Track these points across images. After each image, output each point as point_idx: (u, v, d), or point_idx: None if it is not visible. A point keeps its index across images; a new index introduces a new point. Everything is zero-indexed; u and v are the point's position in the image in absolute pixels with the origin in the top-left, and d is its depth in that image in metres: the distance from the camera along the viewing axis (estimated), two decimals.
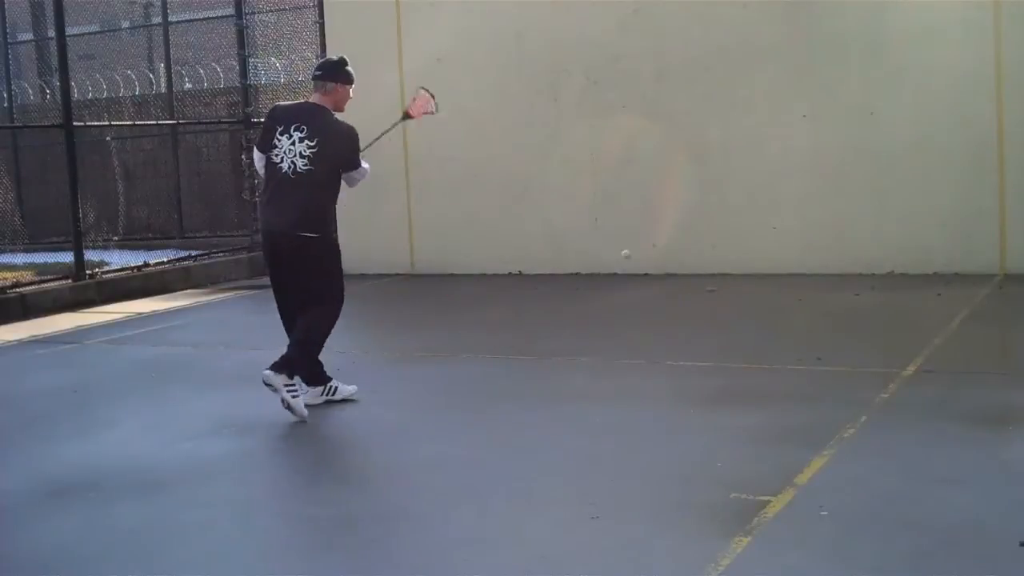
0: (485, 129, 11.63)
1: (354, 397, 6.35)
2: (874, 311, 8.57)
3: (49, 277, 11.37)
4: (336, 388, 6.34)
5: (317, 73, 6.25)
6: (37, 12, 17.89)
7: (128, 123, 15.73)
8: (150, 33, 17.99)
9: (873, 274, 10.00)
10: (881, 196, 10.08)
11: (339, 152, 6.11)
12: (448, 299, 10.52)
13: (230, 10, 13.99)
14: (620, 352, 7.46)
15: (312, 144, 6.01)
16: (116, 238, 13.68)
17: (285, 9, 15.12)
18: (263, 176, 6.25)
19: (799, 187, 10.39)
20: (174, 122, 15.81)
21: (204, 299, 11.32)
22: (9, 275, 11.82)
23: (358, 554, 4.12)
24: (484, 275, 11.57)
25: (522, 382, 6.81)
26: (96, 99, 16.35)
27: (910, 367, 6.48)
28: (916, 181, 9.93)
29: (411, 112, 6.92)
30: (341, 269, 6.26)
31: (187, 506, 4.74)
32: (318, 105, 6.18)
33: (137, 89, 16.43)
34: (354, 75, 6.27)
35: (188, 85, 16.53)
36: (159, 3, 17.03)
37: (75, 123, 11.75)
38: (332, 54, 6.61)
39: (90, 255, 11.83)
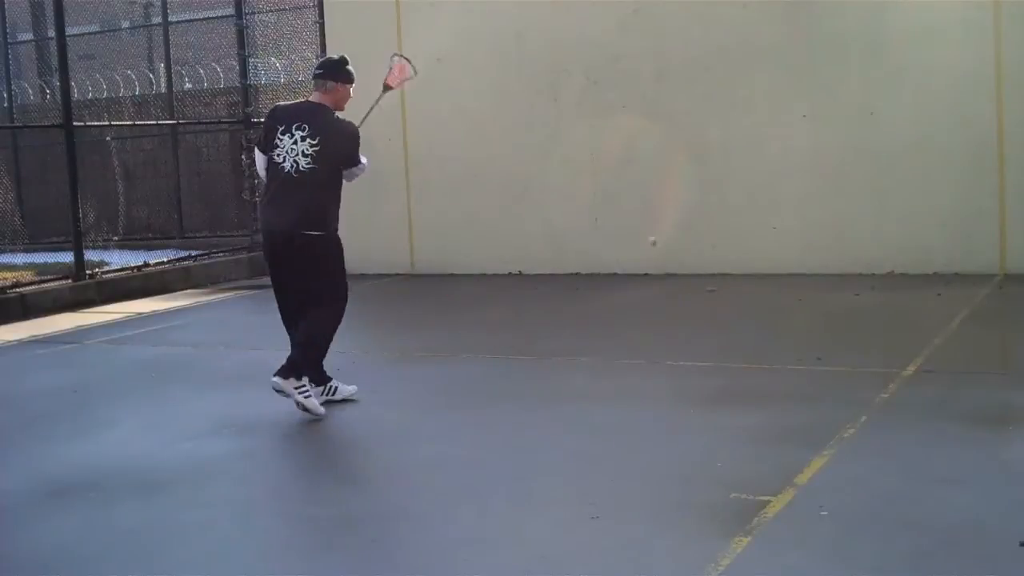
0: (485, 129, 11.63)
1: (354, 397, 6.35)
2: (874, 311, 8.57)
3: (49, 277, 11.37)
4: (336, 388, 6.34)
5: (318, 72, 6.26)
6: (37, 12, 17.89)
7: (128, 123, 15.73)
8: (150, 33, 17.98)
9: (873, 274, 9.99)
10: (881, 196, 10.08)
11: (341, 150, 6.11)
12: (448, 299, 10.52)
13: (230, 10, 13.99)
14: (620, 352, 7.46)
15: (314, 143, 6.01)
16: (116, 238, 13.68)
17: (285, 9, 15.11)
18: (264, 177, 6.24)
19: (799, 187, 10.39)
20: (174, 122, 15.81)
21: (204, 299, 11.32)
22: (9, 275, 11.82)
23: (358, 554, 4.12)
24: (484, 275, 11.57)
25: (522, 382, 6.81)
26: (96, 99, 16.35)
27: (910, 367, 6.48)
28: (916, 181, 9.93)
29: (389, 83, 6.84)
30: (344, 268, 6.26)
31: (187, 506, 4.74)
32: (318, 104, 6.18)
33: (137, 89, 16.43)
34: (354, 74, 6.27)
35: (188, 85, 16.53)
36: (159, 3, 17.03)
37: (75, 123, 11.76)
38: (332, 54, 6.59)
39: (90, 255, 11.83)
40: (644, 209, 10.98)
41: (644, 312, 9.23)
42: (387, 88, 6.81)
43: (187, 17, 17.43)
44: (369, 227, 11.84)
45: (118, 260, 12.44)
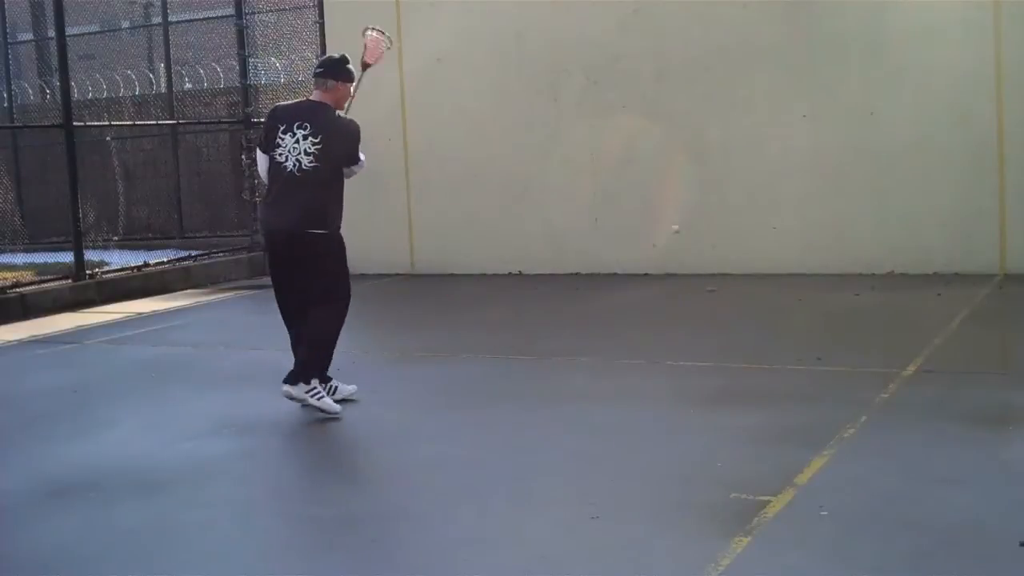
0: (485, 129, 11.63)
1: (354, 397, 6.35)
2: (874, 311, 8.57)
3: (49, 277, 11.37)
4: (336, 388, 6.33)
5: (318, 71, 6.26)
6: (37, 12, 17.89)
7: (128, 123, 15.73)
8: (150, 33, 17.98)
9: (873, 274, 9.99)
10: (881, 196, 10.08)
11: (343, 148, 6.11)
12: (448, 299, 10.52)
13: (230, 10, 13.99)
14: (620, 352, 7.46)
15: (316, 141, 6.01)
16: (116, 238, 13.68)
17: (285, 9, 15.11)
18: (267, 177, 6.22)
19: (799, 187, 10.39)
20: (174, 122, 15.81)
21: (204, 299, 11.32)
22: (9, 275, 11.82)
23: (358, 554, 4.12)
24: (484, 275, 11.57)
25: (522, 382, 6.81)
26: (96, 99, 16.34)
27: (910, 367, 6.48)
28: (916, 181, 9.93)
29: (368, 61, 6.78)
30: (347, 267, 6.26)
31: (187, 506, 4.74)
32: (319, 102, 6.18)
33: (137, 89, 16.43)
34: (355, 73, 6.27)
35: (188, 85, 16.53)
36: (159, 3, 17.03)
37: (75, 123, 11.76)
38: (333, 53, 6.59)
39: (90, 255, 11.83)
40: (644, 209, 10.98)
41: (644, 312, 9.23)
42: (366, 66, 6.73)
43: (187, 17, 17.43)
44: (369, 227, 11.83)
45: (118, 260, 12.44)
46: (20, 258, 13.53)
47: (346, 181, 6.27)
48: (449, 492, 4.74)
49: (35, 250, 14.05)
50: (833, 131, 10.22)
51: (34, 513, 4.73)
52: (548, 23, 11.28)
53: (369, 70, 6.69)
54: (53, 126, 12.48)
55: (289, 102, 6.49)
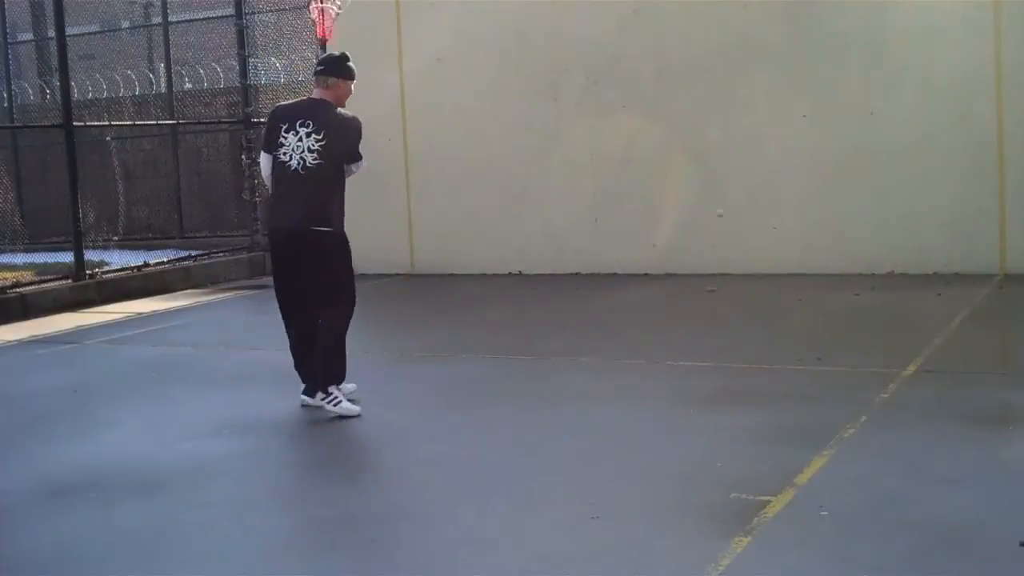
0: (485, 129, 11.63)
1: (353, 396, 6.34)
2: (874, 311, 8.57)
3: (49, 277, 11.37)
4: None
5: (319, 68, 6.26)
6: (37, 12, 17.90)
7: (128, 123, 15.74)
8: (150, 33, 17.99)
9: (873, 274, 10.00)
10: (881, 196, 10.09)
11: (346, 144, 6.11)
12: (448, 299, 10.52)
13: (230, 10, 13.99)
14: (620, 352, 7.46)
15: (320, 138, 6.01)
16: (116, 238, 13.68)
17: (285, 9, 15.11)
18: (270, 177, 6.21)
19: (799, 187, 10.39)
20: (174, 122, 15.81)
21: (204, 299, 11.32)
22: (9, 275, 11.82)
23: (358, 554, 4.12)
24: (484, 275, 11.57)
25: (522, 382, 6.81)
26: (96, 99, 16.35)
27: (910, 367, 6.48)
28: (916, 181, 9.93)
29: (324, 35, 6.75)
30: (352, 268, 6.24)
31: (187, 506, 4.74)
32: (320, 100, 6.18)
33: (137, 89, 16.43)
34: (355, 71, 6.27)
35: (188, 85, 16.54)
36: (159, 3, 17.04)
37: (75, 123, 11.76)
38: (333, 51, 6.59)
39: (90, 255, 11.83)
40: (644, 209, 10.98)
41: (644, 312, 9.23)
42: (324, 42, 6.71)
43: (187, 17, 17.44)
44: (369, 227, 11.81)
45: (118, 260, 12.44)
46: (20, 258, 13.53)
47: (347, 181, 6.27)
48: (449, 492, 4.74)
49: (35, 250, 14.05)
50: (833, 131, 10.22)
51: (34, 513, 4.73)
52: (548, 23, 11.28)
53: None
54: (53, 126, 12.48)
55: (290, 101, 6.50)
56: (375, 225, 11.92)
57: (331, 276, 6.11)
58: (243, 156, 13.55)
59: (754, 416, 5.63)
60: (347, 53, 6.33)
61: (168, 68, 16.26)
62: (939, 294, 8.93)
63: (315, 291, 6.11)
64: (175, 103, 15.97)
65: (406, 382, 6.98)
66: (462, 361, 7.50)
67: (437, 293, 10.86)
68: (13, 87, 17.38)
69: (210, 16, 16.86)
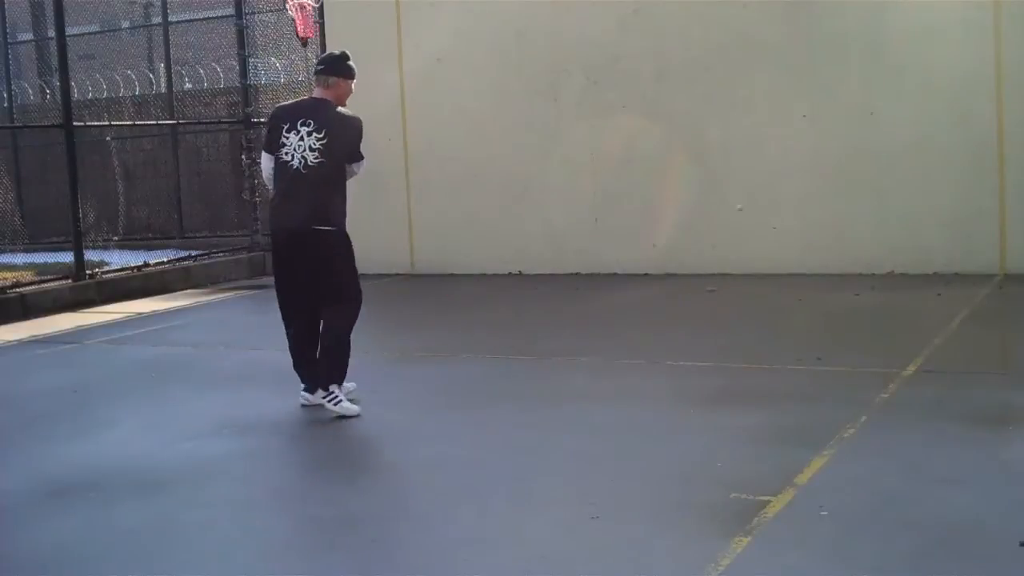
0: (485, 129, 11.63)
1: (353, 396, 6.34)
2: (874, 311, 8.57)
3: (49, 277, 11.37)
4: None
5: (319, 68, 6.26)
6: (37, 12, 17.89)
7: (128, 123, 15.73)
8: (150, 33, 17.99)
9: (873, 274, 10.00)
10: (881, 196, 10.09)
11: (347, 143, 6.11)
12: (448, 299, 10.53)
13: (230, 10, 13.99)
14: (620, 352, 7.46)
15: (321, 136, 6.01)
16: (116, 238, 13.67)
17: (285, 9, 15.10)
18: (271, 177, 6.21)
19: (799, 187, 10.39)
20: (174, 122, 15.81)
21: (204, 299, 11.32)
22: (9, 275, 11.81)
23: (358, 554, 4.12)
24: (484, 275, 11.57)
25: (522, 382, 6.81)
26: (96, 99, 16.35)
27: (910, 367, 6.48)
28: (916, 181, 9.94)
29: (304, 34, 6.75)
30: (356, 268, 6.24)
31: (187, 506, 4.74)
32: (321, 99, 6.18)
33: (137, 89, 16.43)
34: (355, 70, 6.27)
35: (188, 85, 16.53)
36: (159, 3, 17.03)
37: (75, 123, 11.75)
38: (333, 49, 6.60)
39: (90, 255, 11.83)
40: (644, 209, 10.98)
41: (644, 312, 9.23)
42: (305, 41, 6.71)
43: (187, 17, 17.43)
44: (369, 227, 11.80)
45: (118, 260, 12.44)
46: (20, 258, 13.52)
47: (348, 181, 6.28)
48: (449, 492, 4.74)
49: (35, 250, 14.04)
50: (833, 131, 10.22)
51: (34, 513, 4.73)
52: (548, 23, 11.28)
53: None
54: (53, 126, 12.48)
55: (291, 101, 6.50)
56: (375, 225, 11.92)
57: (335, 276, 6.11)
58: (243, 156, 13.55)
59: (754, 416, 5.63)
60: (347, 52, 6.34)
61: (168, 68, 16.25)
62: (939, 294, 8.93)
63: (320, 291, 6.11)
64: (175, 103, 15.97)
65: (406, 382, 6.98)
66: (462, 361, 7.50)
67: (437, 293, 10.86)
68: (13, 87, 17.38)
69: (210, 16, 16.85)
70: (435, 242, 12.01)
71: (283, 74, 14.59)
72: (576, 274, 11.22)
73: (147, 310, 10.60)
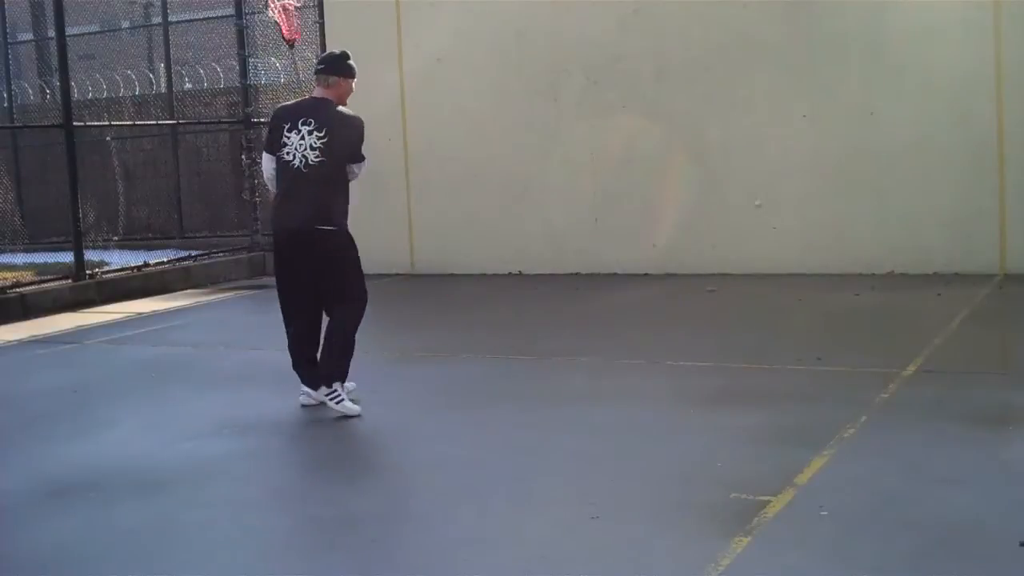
0: (485, 129, 11.63)
1: (353, 396, 6.34)
2: (874, 311, 8.57)
3: (49, 277, 11.37)
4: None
5: (320, 67, 6.26)
6: (37, 12, 17.89)
7: (128, 123, 15.73)
8: (150, 33, 17.98)
9: (873, 274, 10.00)
10: (881, 196, 10.09)
11: (348, 142, 6.10)
12: (448, 299, 10.53)
13: (230, 10, 13.99)
14: (620, 352, 7.46)
15: (322, 135, 6.01)
16: (116, 238, 13.67)
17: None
18: (272, 178, 6.20)
19: (799, 187, 10.39)
20: (174, 122, 15.81)
21: (204, 299, 11.32)
22: (9, 275, 11.82)
23: (358, 554, 4.12)
24: (484, 275, 11.57)
25: (522, 382, 6.81)
26: (96, 99, 16.34)
27: (910, 367, 6.48)
28: (916, 181, 9.94)
29: (291, 37, 6.75)
30: (360, 267, 6.24)
31: (187, 506, 4.74)
32: (322, 99, 6.18)
33: (137, 89, 16.43)
34: (356, 69, 6.27)
35: (188, 85, 16.53)
36: (159, 3, 17.03)
37: (75, 123, 11.75)
38: (334, 48, 6.60)
39: (90, 255, 11.83)
40: (644, 209, 10.98)
41: (644, 312, 9.23)
42: (292, 43, 6.71)
43: (187, 17, 17.43)
44: (369, 227, 11.74)
45: (118, 260, 12.44)
46: (20, 258, 13.52)
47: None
48: (449, 492, 4.74)
49: (35, 250, 14.04)
50: (833, 131, 10.22)
51: (34, 513, 4.73)
52: (548, 23, 11.28)
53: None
54: (53, 126, 12.48)
55: (291, 102, 6.50)
56: (375, 225, 11.89)
57: (338, 276, 6.11)
58: (243, 156, 13.55)
59: (754, 416, 5.63)
60: (347, 51, 6.34)
61: (168, 68, 16.25)
62: (939, 294, 8.93)
63: (326, 291, 6.11)
64: (175, 103, 15.97)
65: (406, 382, 6.99)
66: (462, 361, 7.50)
67: (437, 293, 10.86)
68: (13, 87, 17.38)
69: (210, 16, 16.85)
70: (435, 242, 12.01)
71: (283, 74, 14.58)
72: (576, 274, 11.22)
73: (147, 310, 10.60)
